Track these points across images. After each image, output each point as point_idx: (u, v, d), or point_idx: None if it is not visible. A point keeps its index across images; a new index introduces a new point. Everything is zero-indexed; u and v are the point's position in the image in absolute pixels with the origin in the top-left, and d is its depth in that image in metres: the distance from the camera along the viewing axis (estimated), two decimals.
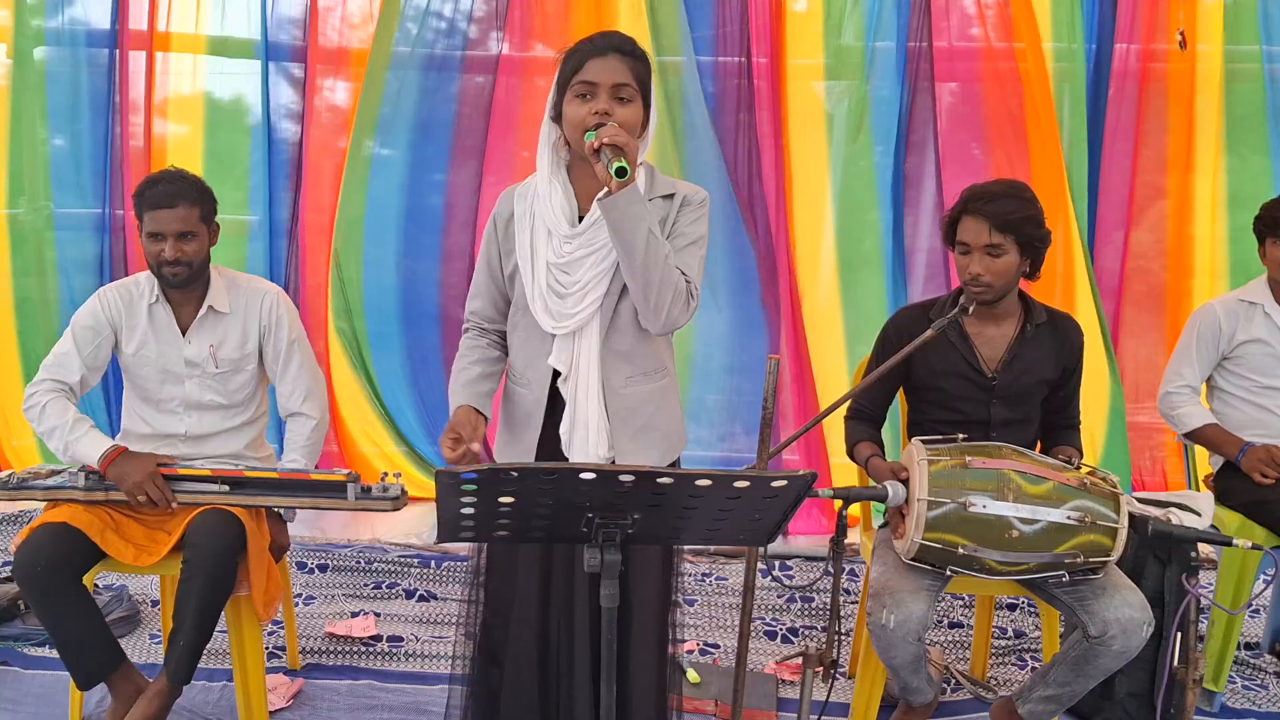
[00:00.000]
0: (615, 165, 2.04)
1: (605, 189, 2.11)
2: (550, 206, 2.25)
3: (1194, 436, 3.31)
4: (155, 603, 3.64)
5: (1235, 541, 2.37)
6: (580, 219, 2.26)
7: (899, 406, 3.09)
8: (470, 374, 2.37)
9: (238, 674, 2.79)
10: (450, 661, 3.36)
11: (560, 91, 2.22)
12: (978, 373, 2.75)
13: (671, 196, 2.28)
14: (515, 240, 2.30)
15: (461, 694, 2.44)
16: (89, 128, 4.63)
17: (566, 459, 2.26)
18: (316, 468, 2.87)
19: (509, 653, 2.35)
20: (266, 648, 3.22)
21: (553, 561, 2.31)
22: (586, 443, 2.25)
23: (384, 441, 4.87)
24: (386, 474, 2.70)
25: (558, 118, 2.24)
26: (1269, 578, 2.77)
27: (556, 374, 2.28)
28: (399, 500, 2.58)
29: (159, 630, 3.40)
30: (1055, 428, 2.87)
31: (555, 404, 2.29)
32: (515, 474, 1.66)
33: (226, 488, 2.66)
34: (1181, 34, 4.33)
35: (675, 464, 2.39)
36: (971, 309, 2.68)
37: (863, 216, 4.63)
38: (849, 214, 4.63)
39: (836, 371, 4.67)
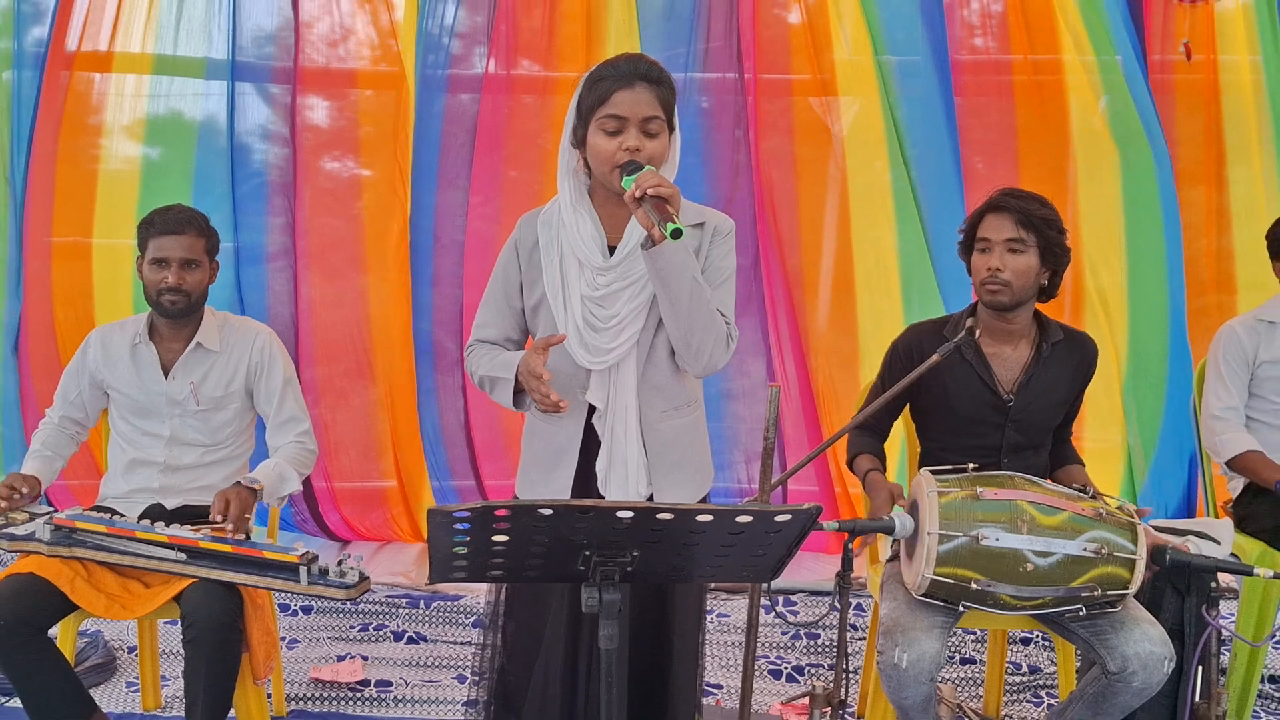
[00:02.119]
0: (670, 228, 2.03)
1: (647, 236, 2.13)
2: (579, 237, 2.26)
3: (1236, 464, 3.19)
4: (132, 649, 3.64)
5: (1256, 570, 2.40)
6: (610, 249, 2.28)
7: (905, 434, 3.12)
8: (512, 354, 2.33)
9: None
10: (440, 706, 3.39)
11: (581, 118, 2.23)
12: (994, 394, 2.78)
13: (701, 225, 2.31)
14: (542, 271, 2.31)
15: None
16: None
17: (603, 497, 2.28)
18: (288, 541, 2.85)
19: (529, 701, 2.34)
20: None
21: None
22: (626, 480, 2.28)
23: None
24: (348, 554, 2.66)
25: (578, 144, 2.26)
26: None
27: (590, 408, 2.30)
28: (353, 589, 2.58)
29: (136, 678, 3.41)
30: (1056, 442, 2.93)
31: (587, 440, 2.32)
32: (508, 512, 1.69)
33: (184, 555, 2.68)
34: (1186, 44, 4.41)
35: (705, 499, 2.42)
36: (979, 332, 2.72)
37: (871, 235, 4.68)
38: (856, 232, 4.67)
39: (842, 396, 4.70)
